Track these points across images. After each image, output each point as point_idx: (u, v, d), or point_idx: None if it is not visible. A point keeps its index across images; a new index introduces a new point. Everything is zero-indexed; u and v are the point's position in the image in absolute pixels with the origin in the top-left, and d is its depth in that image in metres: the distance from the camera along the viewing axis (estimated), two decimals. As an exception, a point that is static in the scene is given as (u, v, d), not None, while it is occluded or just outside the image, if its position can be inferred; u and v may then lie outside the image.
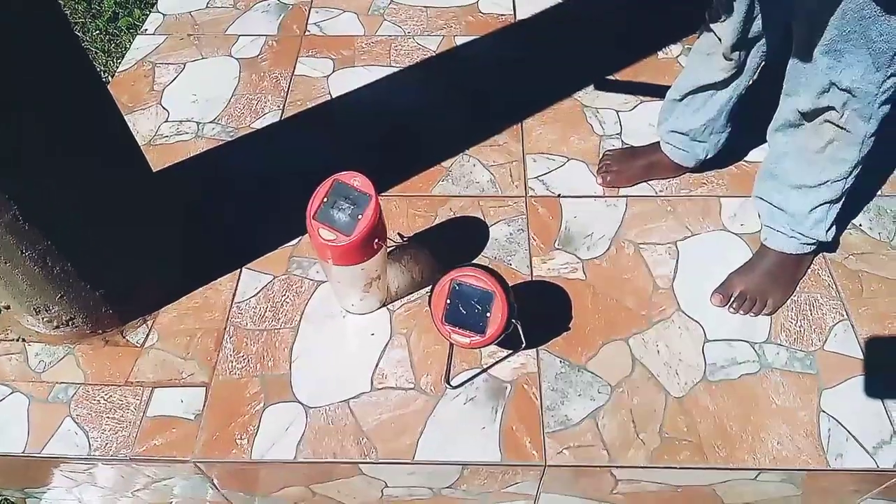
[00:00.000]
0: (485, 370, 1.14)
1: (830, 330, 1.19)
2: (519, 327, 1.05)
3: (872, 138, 1.03)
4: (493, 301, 1.02)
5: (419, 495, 1.18)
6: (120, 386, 1.14)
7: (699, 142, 1.30)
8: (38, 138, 0.93)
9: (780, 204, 1.17)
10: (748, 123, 1.31)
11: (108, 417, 1.11)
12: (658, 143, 1.38)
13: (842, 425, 1.08)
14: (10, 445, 1.09)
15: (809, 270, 1.26)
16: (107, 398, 1.13)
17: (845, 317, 1.20)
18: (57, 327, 1.15)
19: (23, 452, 1.09)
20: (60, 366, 1.17)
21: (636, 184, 1.40)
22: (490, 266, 1.20)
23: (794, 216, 1.16)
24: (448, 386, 1.12)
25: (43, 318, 1.13)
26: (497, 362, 1.15)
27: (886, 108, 0.99)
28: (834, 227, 1.18)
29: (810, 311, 1.22)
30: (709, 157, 1.33)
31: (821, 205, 1.13)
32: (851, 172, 1.08)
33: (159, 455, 1.07)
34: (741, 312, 1.20)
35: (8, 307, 1.12)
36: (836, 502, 1.18)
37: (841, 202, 1.15)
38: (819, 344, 1.17)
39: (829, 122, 1.03)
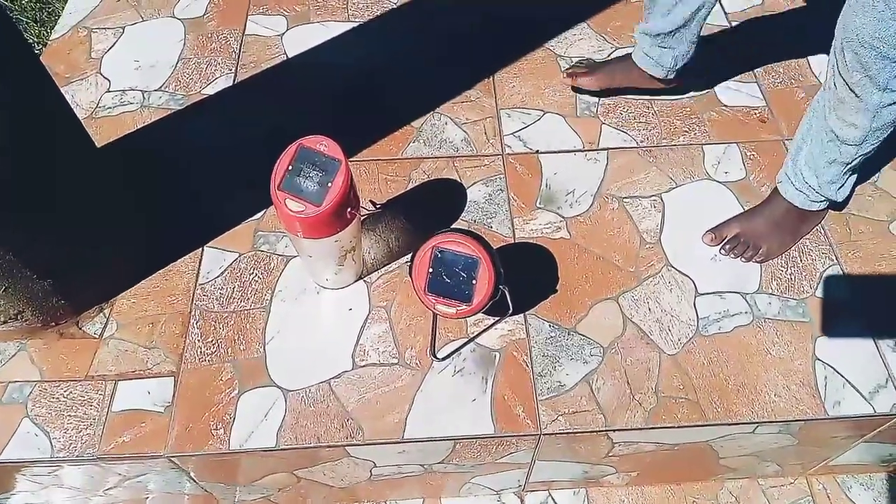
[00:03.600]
0: (471, 339, 1.09)
1: (821, 276, 1.16)
2: (506, 293, 1.00)
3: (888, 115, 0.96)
4: (479, 267, 0.96)
5: (409, 472, 1.14)
6: (80, 381, 1.06)
7: (667, 48, 1.24)
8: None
9: (796, 155, 1.13)
10: (727, 67, 1.25)
11: (69, 416, 1.03)
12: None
13: (838, 372, 1.06)
14: (-38, 453, 1.00)
15: (798, 217, 1.23)
16: (67, 395, 1.05)
17: (835, 261, 1.18)
18: (4, 322, 1.05)
19: (-23, 460, 1.00)
20: (13, 364, 1.08)
21: (607, 89, 1.36)
22: (470, 230, 1.14)
23: (806, 171, 1.11)
24: (434, 358, 1.07)
25: (-14, 314, 1.03)
26: (484, 331, 1.09)
27: None
28: (847, 188, 1.13)
29: (800, 257, 1.19)
30: (677, 67, 1.27)
31: (833, 165, 1.07)
32: (865, 140, 1.00)
33: (129, 452, 1.00)
34: (732, 255, 1.17)
35: (-55, 304, 1.02)
36: (830, 448, 1.17)
37: (855, 167, 1.08)
38: (810, 291, 1.15)
39: (841, 76, 0.95)
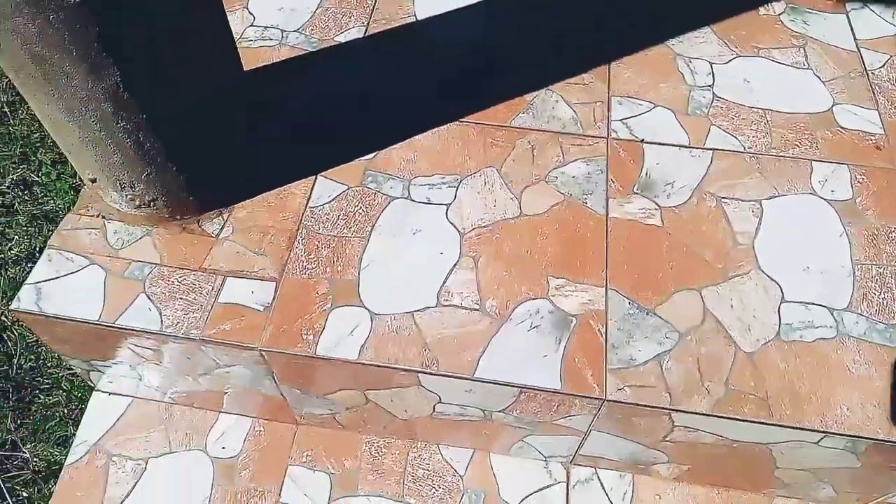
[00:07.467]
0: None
1: (915, 306, 1.14)
2: None
3: None
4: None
5: (470, 416, 1.19)
6: (194, 271, 1.17)
7: None
8: (141, 19, 0.93)
9: None
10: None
11: (181, 298, 1.14)
12: None
13: (916, 401, 1.05)
14: (85, 313, 1.13)
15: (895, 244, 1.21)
16: (181, 280, 1.16)
17: (933, 295, 1.16)
18: (139, 206, 1.17)
19: (97, 321, 1.12)
20: (138, 245, 1.20)
21: None
22: (565, 202, 1.19)
23: None
24: None
25: (126, 196, 1.15)
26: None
27: None
28: None
29: (895, 284, 1.17)
30: None
31: None
32: None
33: (228, 339, 1.10)
34: None
35: (94, 180, 1.15)
36: (892, 480, 1.15)
37: None
38: (902, 318, 1.13)
39: None
